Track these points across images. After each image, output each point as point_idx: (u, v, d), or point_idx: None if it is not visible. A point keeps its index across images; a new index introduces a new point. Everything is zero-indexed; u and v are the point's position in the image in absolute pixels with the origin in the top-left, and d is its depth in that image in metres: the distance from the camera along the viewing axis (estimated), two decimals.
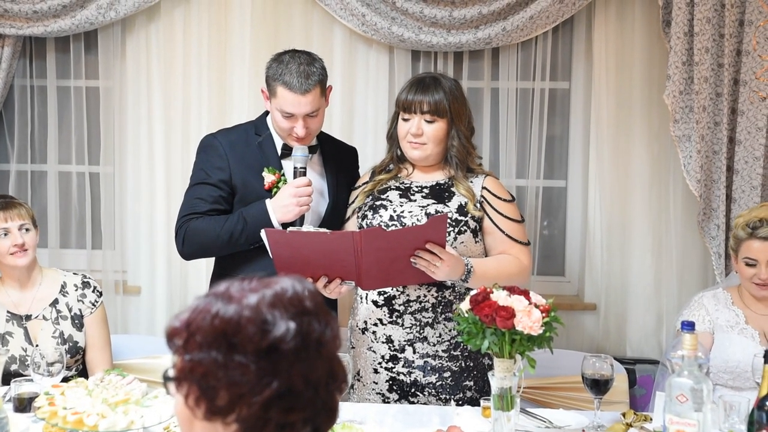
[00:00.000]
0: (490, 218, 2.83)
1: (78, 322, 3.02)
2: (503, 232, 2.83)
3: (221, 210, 2.86)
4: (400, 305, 2.79)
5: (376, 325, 2.82)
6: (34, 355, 2.57)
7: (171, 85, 3.81)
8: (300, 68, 2.78)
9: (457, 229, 2.78)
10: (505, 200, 2.87)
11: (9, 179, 3.91)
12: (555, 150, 3.91)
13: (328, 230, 2.71)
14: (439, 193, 2.85)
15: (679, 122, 3.48)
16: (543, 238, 3.91)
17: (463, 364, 2.80)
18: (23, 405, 2.49)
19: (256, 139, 2.92)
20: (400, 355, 2.80)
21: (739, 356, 2.86)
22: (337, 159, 3.04)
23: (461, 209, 2.81)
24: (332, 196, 2.96)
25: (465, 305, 2.27)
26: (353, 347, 2.91)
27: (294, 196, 2.76)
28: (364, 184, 2.98)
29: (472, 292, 2.28)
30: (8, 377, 2.80)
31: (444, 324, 2.78)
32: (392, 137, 2.95)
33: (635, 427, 2.45)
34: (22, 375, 2.84)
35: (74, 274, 3.12)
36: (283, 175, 2.87)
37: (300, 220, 2.79)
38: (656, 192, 3.74)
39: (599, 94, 3.70)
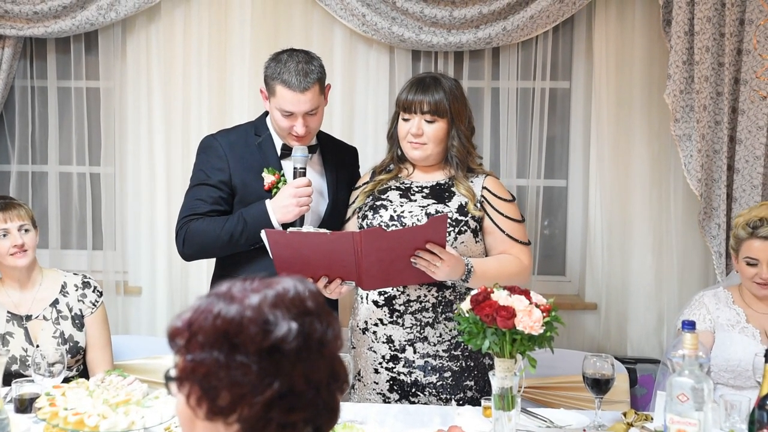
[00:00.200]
0: (490, 218, 2.83)
1: (78, 322, 3.03)
2: (504, 231, 2.83)
3: (221, 211, 2.87)
4: (400, 305, 2.79)
5: (376, 325, 2.82)
6: (35, 356, 2.58)
7: (171, 86, 3.81)
8: (298, 66, 2.78)
9: (457, 229, 2.78)
10: (505, 200, 2.87)
11: (10, 180, 3.91)
12: (555, 149, 3.91)
13: (328, 231, 2.71)
14: (440, 193, 2.85)
15: (679, 121, 3.48)
16: (543, 238, 3.90)
17: (463, 364, 2.80)
18: (24, 406, 2.49)
19: (256, 139, 2.92)
20: (400, 355, 2.80)
21: (740, 355, 2.86)
22: (336, 159, 3.04)
23: (461, 209, 2.81)
24: (332, 196, 2.96)
25: (465, 305, 2.27)
26: (354, 347, 2.91)
27: (294, 197, 2.76)
28: (364, 184, 2.98)
29: (473, 292, 2.28)
30: (9, 377, 2.80)
31: (444, 324, 2.78)
32: (392, 137, 2.95)
33: (636, 426, 2.45)
34: (22, 375, 2.84)
35: (74, 274, 3.12)
36: (283, 175, 2.87)
37: (300, 221, 2.79)
38: (657, 191, 3.74)
39: (600, 94, 3.70)
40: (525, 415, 2.54)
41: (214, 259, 3.06)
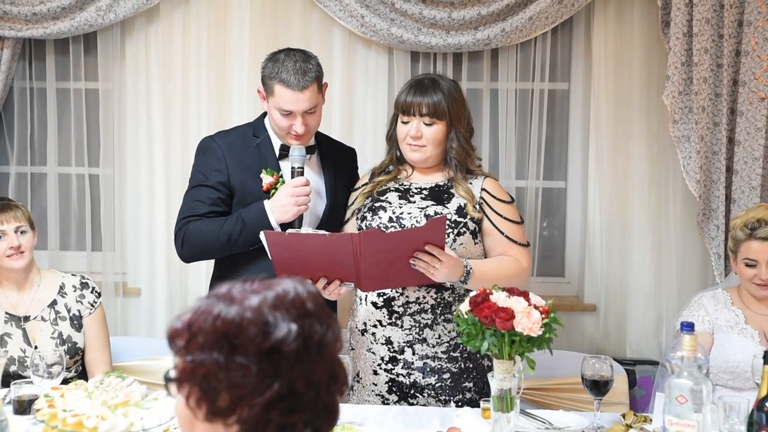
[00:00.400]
0: (489, 220, 2.83)
1: (77, 322, 3.03)
2: (502, 233, 2.83)
3: (220, 212, 2.87)
4: (399, 307, 2.79)
5: (375, 326, 2.82)
6: (34, 357, 2.58)
7: (170, 87, 3.81)
8: (296, 65, 2.79)
9: (456, 231, 2.78)
10: (504, 201, 2.87)
11: (9, 181, 3.91)
12: (554, 151, 3.91)
13: (327, 232, 2.71)
14: (439, 194, 2.85)
15: (678, 123, 3.49)
16: (542, 239, 3.91)
17: (462, 366, 2.80)
18: (23, 407, 2.49)
19: (254, 140, 2.93)
20: (399, 357, 2.80)
21: (739, 356, 2.86)
22: (335, 159, 3.04)
23: (460, 211, 2.81)
24: (330, 197, 2.96)
25: (464, 306, 2.27)
26: (353, 349, 2.91)
27: (292, 196, 2.76)
28: (363, 185, 2.98)
29: (472, 294, 2.28)
30: (7, 378, 2.80)
31: (443, 325, 2.78)
32: (391, 139, 2.95)
33: (635, 428, 2.45)
34: (21, 376, 2.84)
35: (72, 275, 3.12)
36: (281, 176, 2.87)
37: (299, 222, 2.79)
38: (656, 193, 3.74)
39: (598, 95, 3.70)
40: (524, 417, 2.54)
41: (213, 261, 3.05)
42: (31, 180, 3.98)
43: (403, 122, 2.85)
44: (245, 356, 1.23)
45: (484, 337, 2.21)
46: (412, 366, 2.79)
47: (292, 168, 2.81)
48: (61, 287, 3.06)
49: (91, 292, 3.09)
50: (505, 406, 2.24)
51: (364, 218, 2.87)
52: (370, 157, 3.56)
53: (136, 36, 3.83)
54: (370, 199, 2.91)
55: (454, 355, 2.80)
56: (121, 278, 3.92)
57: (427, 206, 2.82)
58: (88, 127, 3.92)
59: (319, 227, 2.85)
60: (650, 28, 3.67)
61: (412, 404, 2.79)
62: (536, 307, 2.21)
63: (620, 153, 3.74)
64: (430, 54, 3.73)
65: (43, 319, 2.99)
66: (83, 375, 3.03)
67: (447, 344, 2.79)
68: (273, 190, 2.84)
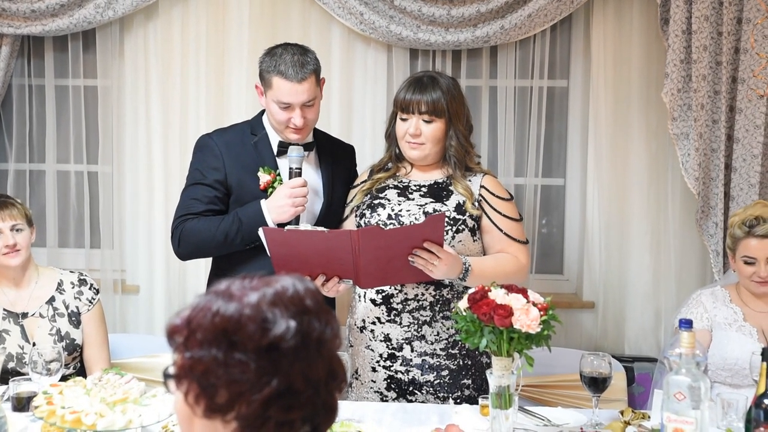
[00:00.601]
0: (488, 217, 2.83)
1: (75, 319, 3.03)
2: (501, 230, 2.83)
3: (217, 210, 2.86)
4: (398, 304, 2.79)
5: (374, 323, 2.82)
6: (32, 354, 2.58)
7: (169, 84, 3.80)
8: (294, 58, 2.79)
9: (455, 228, 2.78)
10: (503, 199, 2.87)
11: (7, 178, 3.91)
12: (553, 148, 3.91)
13: (325, 229, 2.71)
14: (438, 191, 2.85)
15: (677, 120, 3.49)
16: (541, 237, 3.90)
17: (461, 363, 2.81)
18: (22, 404, 2.50)
19: (252, 138, 2.92)
20: (398, 354, 2.80)
21: (738, 353, 2.86)
22: (333, 157, 3.03)
23: (459, 208, 2.81)
24: (327, 195, 2.96)
25: (463, 303, 2.27)
26: (351, 346, 2.91)
27: (289, 197, 2.76)
28: (362, 182, 2.98)
29: (470, 291, 2.28)
30: (5, 375, 2.81)
31: (442, 322, 2.79)
32: (390, 136, 2.95)
33: (633, 425, 2.46)
34: (19, 373, 2.84)
35: (71, 272, 3.12)
36: (279, 175, 2.87)
37: (296, 219, 2.79)
38: (654, 190, 3.74)
39: (597, 92, 3.70)
40: (522, 414, 2.54)
41: (211, 258, 3.05)
42: (30, 177, 3.97)
43: (402, 120, 2.85)
44: (244, 353, 1.22)
45: (482, 334, 2.21)
46: (411, 363, 2.79)
47: (290, 168, 2.81)
48: (60, 284, 3.06)
49: (90, 289, 3.09)
50: (504, 403, 2.24)
51: (363, 215, 2.87)
52: (369, 154, 3.55)
53: (134, 33, 3.83)
54: (369, 196, 2.91)
55: (453, 352, 2.80)
56: (119, 275, 3.92)
57: (426, 203, 2.82)
58: (87, 125, 3.92)
59: (316, 225, 2.85)
60: (649, 25, 3.67)
61: (411, 401, 2.79)
62: (535, 304, 2.21)
63: (619, 150, 3.74)
64: (429, 51, 3.72)
65: (41, 315, 2.99)
66: (82, 372, 3.03)
67: (446, 341, 2.79)
68: (270, 188, 2.84)
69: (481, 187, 2.86)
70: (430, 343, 2.79)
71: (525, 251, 2.87)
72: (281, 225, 2.77)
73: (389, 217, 2.82)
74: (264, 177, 2.85)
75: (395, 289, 2.79)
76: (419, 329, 2.79)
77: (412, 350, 2.79)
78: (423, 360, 2.79)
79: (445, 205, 2.81)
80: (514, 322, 2.17)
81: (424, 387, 2.79)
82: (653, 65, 3.67)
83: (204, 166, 2.90)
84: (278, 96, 2.78)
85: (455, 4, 3.56)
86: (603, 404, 2.60)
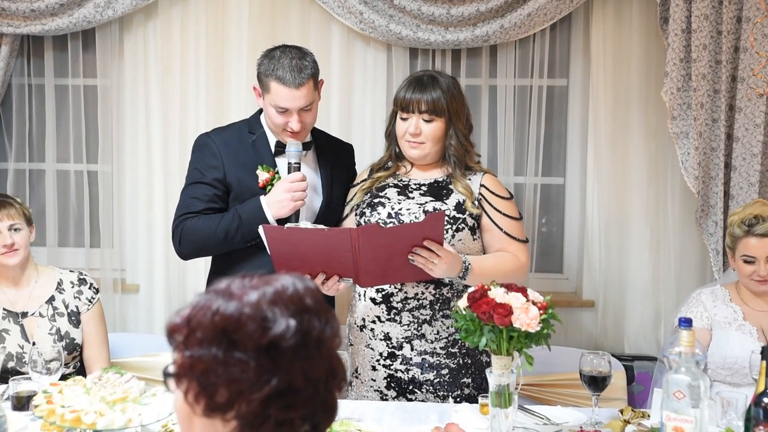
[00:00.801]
0: (488, 216, 2.83)
1: (75, 319, 3.03)
2: (501, 229, 2.83)
3: (217, 209, 2.87)
4: (397, 302, 2.79)
5: (374, 322, 2.83)
6: (32, 353, 2.58)
7: (169, 84, 3.81)
8: (292, 62, 2.78)
9: (455, 227, 2.78)
10: (503, 198, 2.87)
11: (7, 178, 3.91)
12: (553, 147, 3.91)
13: (325, 227, 2.71)
14: (437, 190, 2.85)
15: (676, 119, 3.49)
16: (541, 236, 3.91)
17: (460, 361, 2.81)
18: (21, 403, 2.50)
19: (250, 137, 2.92)
20: (398, 353, 2.80)
21: (737, 352, 2.86)
22: (332, 155, 3.04)
23: (459, 207, 2.81)
24: (326, 193, 2.96)
25: (463, 302, 2.27)
26: (351, 344, 2.91)
27: (288, 191, 2.76)
28: (362, 181, 2.98)
29: (470, 289, 2.28)
30: (5, 374, 2.81)
31: (442, 321, 2.79)
32: (390, 135, 2.95)
33: (633, 423, 2.46)
34: (19, 372, 2.84)
35: (70, 271, 3.12)
36: (277, 172, 2.87)
37: (295, 217, 2.79)
38: (654, 189, 3.74)
39: (597, 91, 3.70)
40: (522, 413, 2.54)
41: (210, 257, 3.05)
42: (30, 177, 3.98)
43: (402, 119, 2.85)
44: (244, 351, 1.23)
45: (482, 333, 2.21)
46: (411, 362, 2.80)
47: (289, 163, 2.81)
48: (59, 283, 3.06)
49: (89, 288, 3.09)
50: (503, 401, 2.24)
51: (362, 214, 2.87)
52: (368, 153, 3.56)
53: (134, 32, 3.83)
54: (368, 195, 2.91)
55: (453, 350, 2.80)
56: (119, 274, 3.92)
57: (426, 202, 2.82)
58: (87, 124, 3.92)
59: (315, 223, 2.85)
60: (649, 24, 3.67)
61: (411, 400, 2.79)
62: (534, 303, 2.21)
63: (619, 149, 3.74)
64: (429, 50, 3.72)
65: (41, 315, 2.99)
66: (81, 371, 3.03)
67: (445, 340, 2.79)
68: (269, 187, 2.84)
69: (481, 185, 2.86)
70: (429, 341, 2.79)
71: (525, 250, 2.87)
72: (281, 222, 2.77)
73: (389, 215, 2.82)
74: (263, 175, 2.86)
75: (395, 287, 2.79)
76: (419, 328, 2.79)
77: (411, 349, 2.79)
78: (423, 359, 2.79)
79: (445, 203, 2.81)
80: (513, 320, 2.16)
81: (424, 386, 2.80)
82: (653, 64, 3.67)
83: (203, 165, 2.90)
84: (276, 101, 2.79)
85: (455, 4, 3.56)
86: (602, 403, 2.60)
